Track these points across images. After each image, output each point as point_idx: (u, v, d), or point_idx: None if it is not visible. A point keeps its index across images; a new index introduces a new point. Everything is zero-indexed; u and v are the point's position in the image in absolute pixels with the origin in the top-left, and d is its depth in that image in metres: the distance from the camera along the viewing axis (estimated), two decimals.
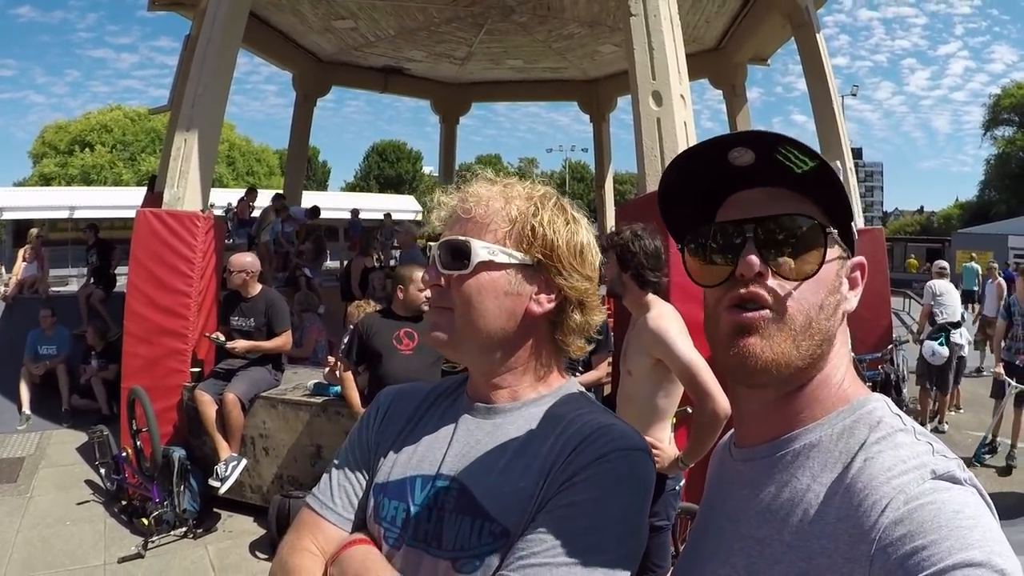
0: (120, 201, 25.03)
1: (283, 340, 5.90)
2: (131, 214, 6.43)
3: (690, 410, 3.13)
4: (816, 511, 0.81)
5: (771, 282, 0.87)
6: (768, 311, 0.87)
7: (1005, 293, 9.85)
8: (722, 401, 2.91)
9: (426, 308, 4.90)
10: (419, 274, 4.82)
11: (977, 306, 15.49)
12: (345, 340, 5.57)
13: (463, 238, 1.11)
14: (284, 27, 10.90)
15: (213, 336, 5.80)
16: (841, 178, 0.87)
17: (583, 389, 1.24)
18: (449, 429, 1.18)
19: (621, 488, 1.02)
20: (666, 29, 5.57)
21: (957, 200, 62.29)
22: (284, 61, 12.07)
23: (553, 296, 1.15)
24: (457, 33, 10.95)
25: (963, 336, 8.53)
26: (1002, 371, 7.38)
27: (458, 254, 1.11)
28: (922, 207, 68.97)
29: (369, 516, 1.18)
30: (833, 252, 0.89)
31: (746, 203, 0.92)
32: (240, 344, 5.66)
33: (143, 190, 15.08)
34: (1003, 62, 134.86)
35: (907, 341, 9.37)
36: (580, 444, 1.05)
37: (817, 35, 8.90)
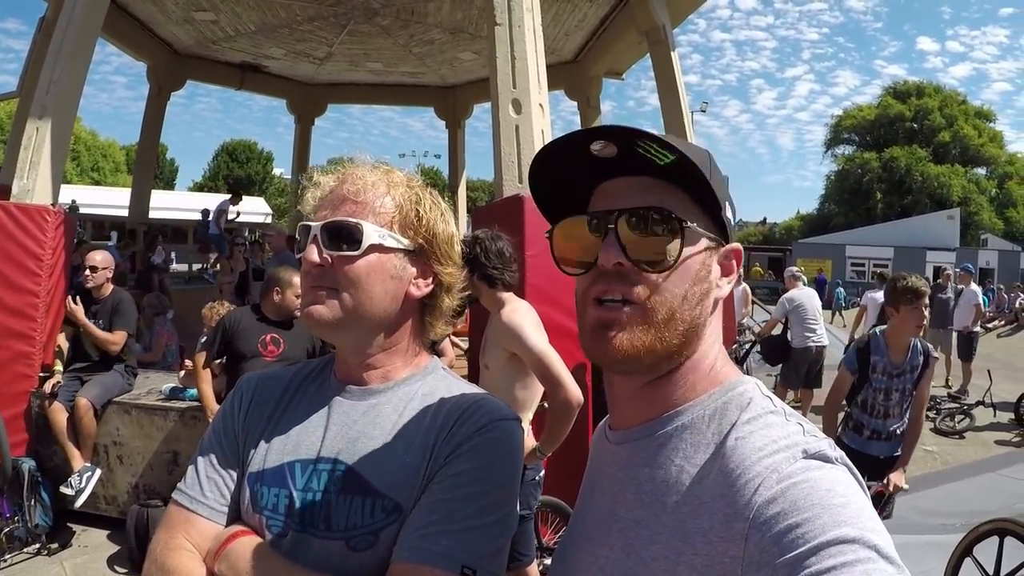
0: None
1: (115, 337, 5.46)
2: None
3: (547, 404, 3.25)
4: (690, 491, 0.81)
5: (632, 275, 0.87)
6: (628, 306, 0.86)
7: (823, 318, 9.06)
8: (574, 390, 3.07)
9: (299, 314, 4.88)
10: (298, 279, 4.79)
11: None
12: (203, 339, 5.45)
13: (354, 220, 1.12)
14: (142, 15, 10.39)
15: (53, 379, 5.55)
16: (706, 169, 0.85)
17: (446, 367, 1.30)
18: (323, 412, 1.19)
19: (502, 454, 1.11)
20: (529, 40, 5.72)
21: (798, 212, 65.83)
22: (139, 51, 11.46)
23: (430, 280, 1.21)
24: (319, 32, 10.84)
25: (825, 337, 8.99)
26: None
27: (347, 235, 1.12)
28: (765, 218, 72.87)
29: (246, 507, 1.15)
30: (697, 243, 0.88)
31: (613, 193, 0.91)
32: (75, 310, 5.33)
33: None
34: (846, 86, 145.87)
35: (753, 341, 9.87)
36: (460, 417, 1.13)
37: (672, 53, 9.14)
